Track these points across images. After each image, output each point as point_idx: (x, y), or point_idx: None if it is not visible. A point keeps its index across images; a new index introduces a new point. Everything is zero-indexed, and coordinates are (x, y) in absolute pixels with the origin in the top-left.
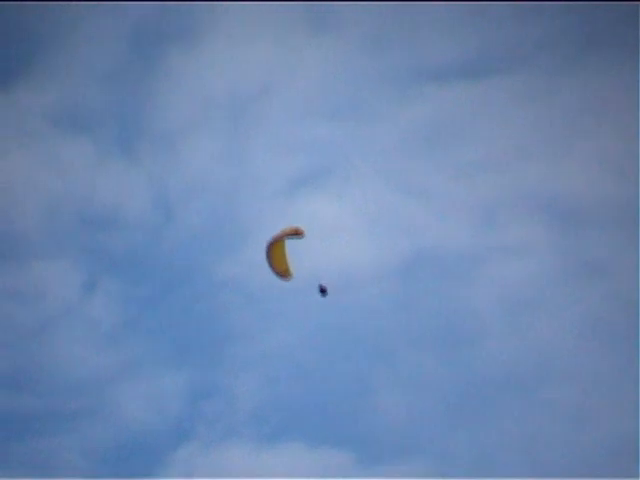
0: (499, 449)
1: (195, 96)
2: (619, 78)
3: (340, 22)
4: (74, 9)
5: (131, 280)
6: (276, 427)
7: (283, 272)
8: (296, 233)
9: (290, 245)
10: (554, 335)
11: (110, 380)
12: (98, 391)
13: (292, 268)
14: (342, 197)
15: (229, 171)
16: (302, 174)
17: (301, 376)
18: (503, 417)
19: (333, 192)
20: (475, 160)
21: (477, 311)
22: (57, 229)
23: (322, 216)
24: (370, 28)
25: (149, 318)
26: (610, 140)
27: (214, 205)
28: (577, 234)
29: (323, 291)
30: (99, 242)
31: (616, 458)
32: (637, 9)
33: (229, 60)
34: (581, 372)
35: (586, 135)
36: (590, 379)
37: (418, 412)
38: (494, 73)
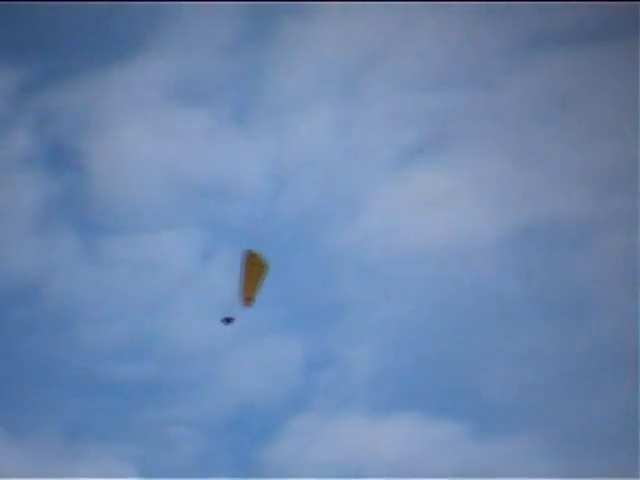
0: (613, 423)
1: (309, 67)
2: None
3: None
4: None
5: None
6: (392, 397)
7: (248, 298)
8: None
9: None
10: None
11: (226, 349)
12: (214, 360)
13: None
14: (456, 166)
15: (342, 141)
16: (416, 144)
17: (417, 346)
18: (619, 390)
19: (447, 162)
20: (595, 126)
21: (595, 281)
22: (175, 200)
23: (436, 186)
24: None
25: (264, 287)
26: None
27: (327, 175)
28: None
29: (228, 320)
30: (215, 212)
31: None
32: None
33: (343, 29)
34: None
35: None
36: None
37: (534, 384)
38: (614, 38)
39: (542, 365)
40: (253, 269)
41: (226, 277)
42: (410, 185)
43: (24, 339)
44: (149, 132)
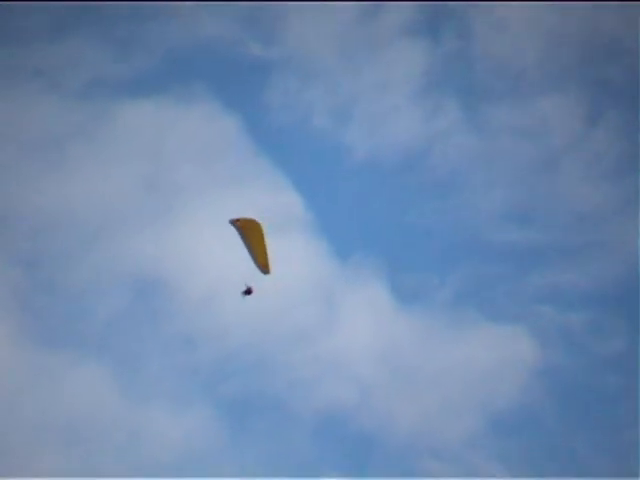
0: None
1: None
2: None
3: None
4: None
5: None
6: None
7: (264, 265)
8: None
9: None
10: None
11: (612, 214)
12: (600, 225)
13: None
14: None
15: None
16: None
17: None
18: None
19: None
20: None
21: None
22: (557, 64)
23: None
24: None
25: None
26: None
27: None
28: None
29: (248, 292)
30: (599, 75)
31: None
32: None
33: None
34: None
35: None
36: None
37: None
38: None
39: None
40: (253, 235)
41: (613, 140)
42: None
43: (411, 206)
44: None
